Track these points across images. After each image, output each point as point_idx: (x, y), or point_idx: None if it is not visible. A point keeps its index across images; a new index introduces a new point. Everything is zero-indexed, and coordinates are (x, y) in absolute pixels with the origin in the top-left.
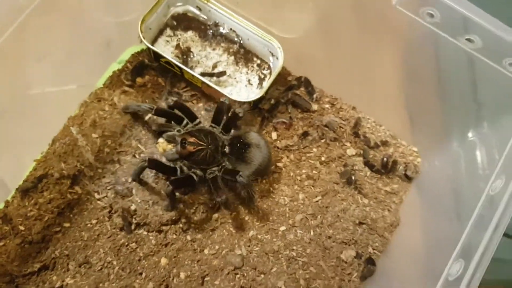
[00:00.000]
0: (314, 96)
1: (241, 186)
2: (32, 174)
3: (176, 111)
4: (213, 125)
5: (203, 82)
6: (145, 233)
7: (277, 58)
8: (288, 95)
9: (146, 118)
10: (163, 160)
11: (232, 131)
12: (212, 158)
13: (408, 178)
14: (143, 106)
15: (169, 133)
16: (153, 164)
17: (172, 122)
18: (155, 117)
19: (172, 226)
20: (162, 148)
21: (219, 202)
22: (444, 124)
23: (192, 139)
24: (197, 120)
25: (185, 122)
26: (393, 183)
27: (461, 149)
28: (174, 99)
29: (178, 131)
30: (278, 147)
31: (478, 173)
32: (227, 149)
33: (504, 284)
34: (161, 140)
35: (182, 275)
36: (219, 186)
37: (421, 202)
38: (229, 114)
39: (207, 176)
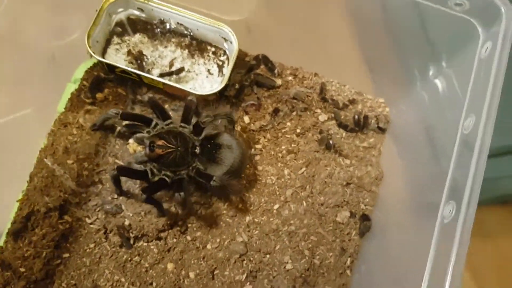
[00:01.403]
0: (275, 71)
1: (216, 188)
2: (19, 215)
3: (143, 114)
4: (183, 125)
5: (164, 83)
6: (145, 244)
7: (231, 42)
8: (250, 76)
9: (117, 130)
10: (134, 165)
11: (204, 131)
12: (181, 160)
13: (381, 130)
14: (110, 113)
15: (138, 135)
16: (123, 171)
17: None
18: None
19: (170, 230)
20: (133, 149)
21: (177, 199)
22: (403, 70)
23: (160, 142)
24: (169, 121)
25: (153, 123)
26: (368, 138)
27: (424, 92)
28: (150, 95)
29: (148, 132)
30: (252, 130)
31: (446, 113)
32: (197, 150)
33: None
34: (131, 141)
35: (192, 274)
36: (181, 188)
37: (398, 150)
38: (194, 122)
39: (174, 178)
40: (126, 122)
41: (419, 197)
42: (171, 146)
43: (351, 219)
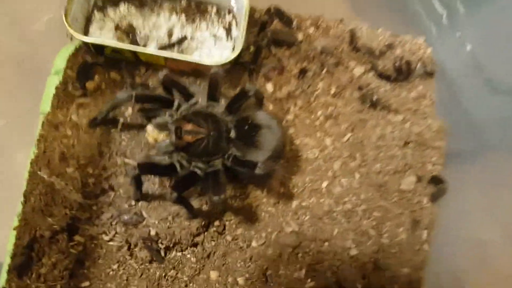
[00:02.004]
0: (293, 24)
1: (257, 176)
2: (19, 245)
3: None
4: (212, 103)
5: (166, 58)
6: (179, 253)
7: None
8: (266, 34)
9: (120, 122)
10: (156, 157)
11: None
12: (215, 146)
13: (429, 74)
14: (119, 97)
15: (158, 119)
16: (146, 168)
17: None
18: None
19: (206, 233)
20: (153, 138)
21: (214, 201)
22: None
23: (189, 126)
24: (193, 100)
25: (176, 104)
26: (415, 87)
27: (472, 25)
28: (164, 73)
29: (170, 115)
30: (279, 98)
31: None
32: (233, 134)
33: None
34: (149, 128)
35: (241, 280)
36: (220, 182)
37: (452, 94)
38: (239, 93)
39: (208, 170)
40: (141, 106)
41: (490, 141)
42: (202, 131)
43: (418, 185)
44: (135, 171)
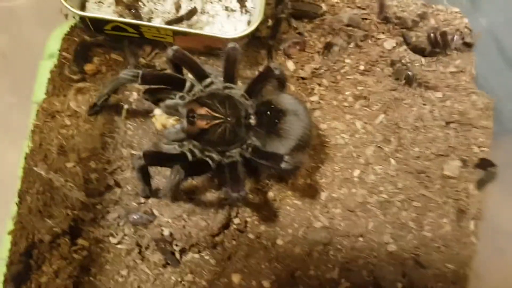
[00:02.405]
0: None
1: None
2: (15, 251)
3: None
4: (229, 85)
5: (175, 33)
6: (197, 255)
7: None
8: (286, 5)
9: (124, 109)
10: (164, 146)
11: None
12: (232, 134)
13: (468, 46)
14: (123, 76)
15: (167, 102)
16: (152, 158)
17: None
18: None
19: (226, 231)
20: (161, 124)
21: (234, 198)
22: None
23: (202, 110)
24: (208, 80)
25: (189, 84)
26: (453, 60)
27: None
28: (175, 48)
29: (182, 97)
30: (302, 78)
31: None
32: (253, 120)
33: None
34: (157, 111)
35: (266, 283)
36: (238, 176)
37: (494, 67)
38: (262, 72)
39: (224, 161)
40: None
41: None
42: (218, 115)
43: (463, 170)
44: (141, 161)
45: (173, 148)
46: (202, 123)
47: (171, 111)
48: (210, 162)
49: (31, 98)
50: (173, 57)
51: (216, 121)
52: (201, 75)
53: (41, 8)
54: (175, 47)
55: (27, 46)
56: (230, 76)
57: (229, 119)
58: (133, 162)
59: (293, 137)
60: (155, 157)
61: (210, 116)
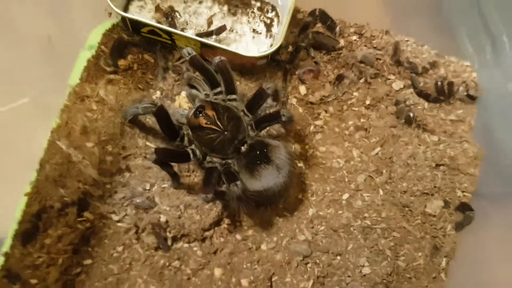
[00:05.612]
0: (337, 29)
1: (232, 196)
2: (27, 212)
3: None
4: (246, 112)
5: (202, 45)
6: (186, 245)
7: None
8: (307, 36)
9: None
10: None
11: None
12: (220, 146)
13: (471, 99)
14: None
15: (194, 91)
16: (163, 154)
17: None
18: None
19: (216, 228)
20: (179, 102)
21: (202, 198)
22: (493, 26)
23: (210, 113)
24: (233, 96)
25: (219, 89)
26: (456, 109)
27: None
28: (222, 58)
29: (206, 95)
30: (311, 102)
31: None
32: (244, 148)
33: None
34: (183, 93)
35: (244, 282)
36: (210, 181)
37: (493, 122)
38: (257, 91)
39: (205, 162)
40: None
41: None
42: (218, 124)
43: (444, 210)
44: (153, 156)
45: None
46: (202, 121)
47: (192, 99)
48: (190, 155)
49: (68, 81)
50: (217, 65)
51: (213, 127)
52: (229, 89)
53: (89, 5)
54: (222, 58)
55: (71, 34)
56: (252, 108)
57: (225, 133)
58: (149, 157)
59: (261, 184)
60: (164, 154)
61: (212, 120)
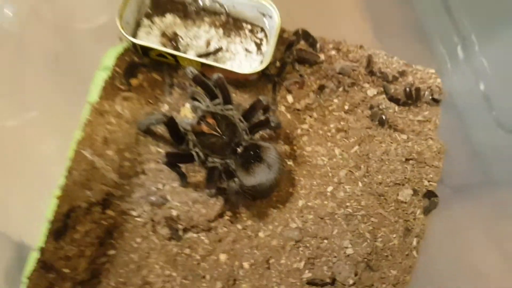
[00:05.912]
0: (317, 46)
1: (231, 191)
2: (59, 212)
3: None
4: (242, 119)
5: (202, 65)
6: (195, 235)
7: (270, 17)
8: (292, 52)
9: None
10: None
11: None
12: (220, 148)
13: (436, 101)
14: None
15: (196, 103)
16: (172, 156)
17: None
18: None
19: (220, 220)
20: (184, 113)
21: (206, 193)
22: (455, 37)
23: (211, 121)
24: (230, 106)
25: (217, 101)
26: (422, 111)
27: (482, 58)
28: (219, 75)
29: (207, 106)
30: (297, 109)
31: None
32: (239, 149)
33: None
34: (187, 105)
35: (246, 265)
36: (213, 178)
37: (456, 121)
38: (262, 118)
39: (207, 163)
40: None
41: (485, 167)
42: (218, 130)
43: (414, 197)
44: (164, 159)
45: (186, 149)
46: (204, 128)
47: (195, 110)
48: (195, 156)
49: (83, 98)
50: (215, 81)
51: (214, 133)
52: (226, 100)
53: (101, 31)
54: (220, 75)
55: (84, 56)
56: (247, 116)
57: (224, 137)
58: (162, 160)
59: (255, 180)
60: (173, 156)
61: (212, 127)
